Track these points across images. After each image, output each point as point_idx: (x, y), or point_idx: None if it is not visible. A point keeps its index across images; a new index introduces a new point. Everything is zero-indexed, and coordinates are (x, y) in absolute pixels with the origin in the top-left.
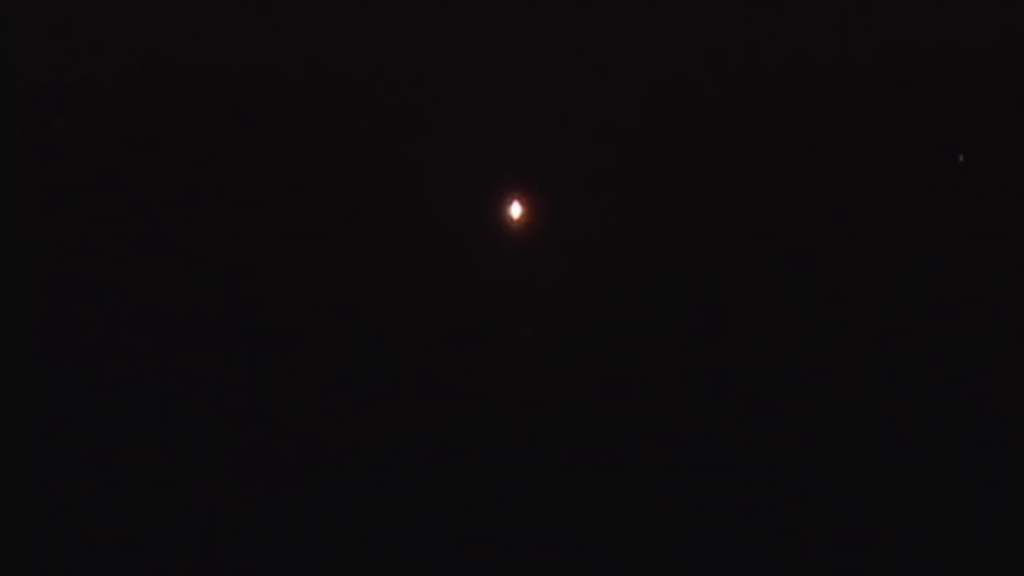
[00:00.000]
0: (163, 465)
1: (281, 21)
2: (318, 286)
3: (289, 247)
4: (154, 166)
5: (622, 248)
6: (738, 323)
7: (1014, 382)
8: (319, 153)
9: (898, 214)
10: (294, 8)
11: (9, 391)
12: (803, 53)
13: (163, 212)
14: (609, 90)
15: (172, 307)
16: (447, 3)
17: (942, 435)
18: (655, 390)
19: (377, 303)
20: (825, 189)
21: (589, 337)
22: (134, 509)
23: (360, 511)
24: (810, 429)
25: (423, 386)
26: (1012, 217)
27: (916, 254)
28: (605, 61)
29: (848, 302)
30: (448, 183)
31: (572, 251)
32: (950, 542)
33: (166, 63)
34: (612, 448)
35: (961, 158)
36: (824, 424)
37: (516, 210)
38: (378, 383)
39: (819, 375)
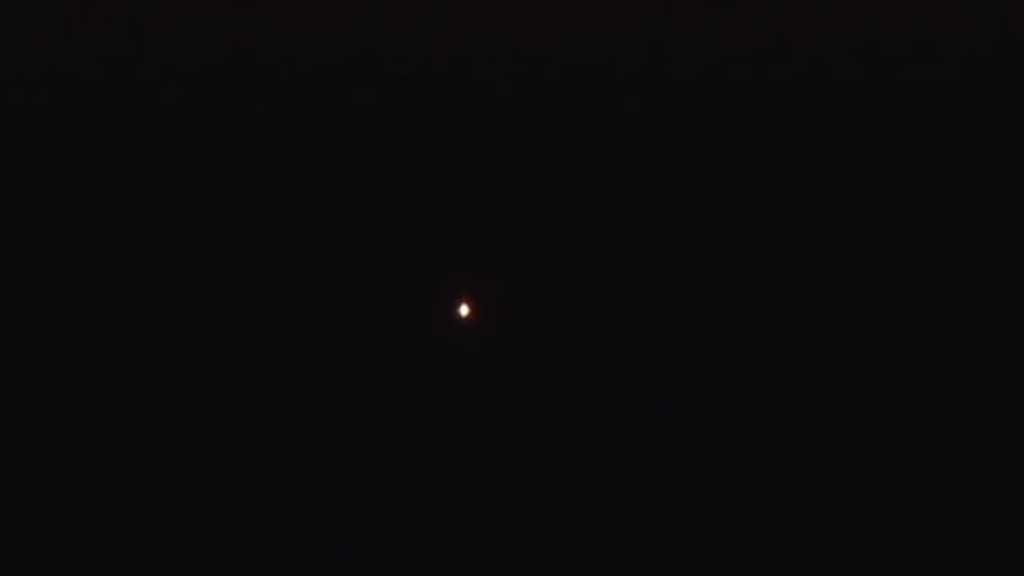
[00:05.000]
0: (161, 465)
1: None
2: (310, 285)
3: (280, 246)
4: (138, 164)
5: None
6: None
7: (1014, 382)
8: (309, 152)
9: (897, 214)
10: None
11: (9, 391)
12: (799, 54)
13: (143, 206)
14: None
15: (160, 303)
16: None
17: (942, 435)
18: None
19: (368, 302)
20: (822, 192)
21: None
22: (132, 508)
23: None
24: (810, 431)
25: (416, 384)
26: (1012, 217)
27: (915, 254)
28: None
29: (846, 304)
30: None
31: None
32: (949, 541)
33: (155, 60)
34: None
35: None
36: (823, 424)
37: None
38: (368, 383)
39: (820, 382)
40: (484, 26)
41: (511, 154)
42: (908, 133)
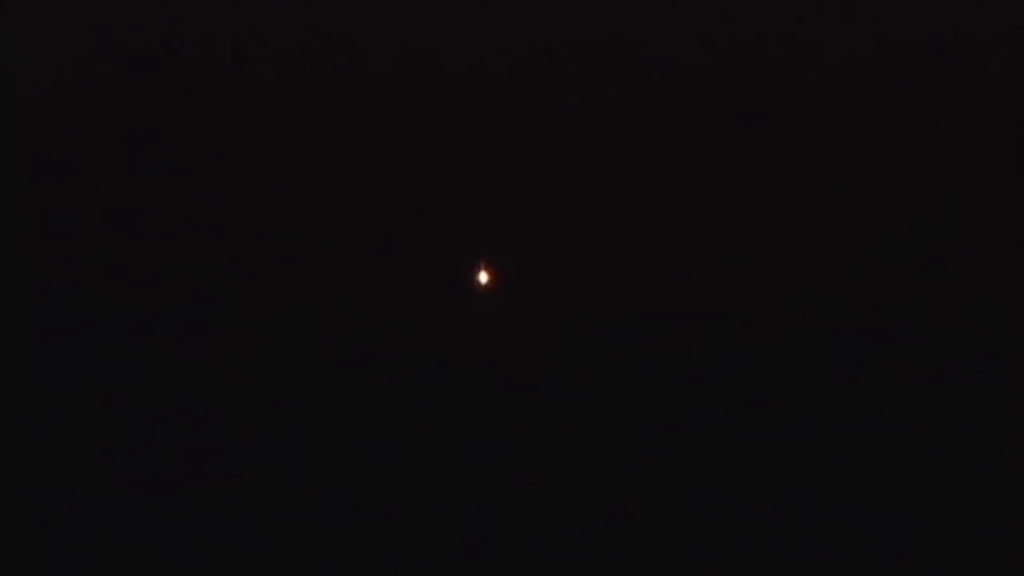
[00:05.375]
0: (160, 465)
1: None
2: (306, 284)
3: (276, 245)
4: (130, 162)
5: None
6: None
7: (1014, 382)
8: (306, 150)
9: (896, 214)
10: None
11: (9, 391)
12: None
13: (137, 202)
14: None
15: (156, 300)
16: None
17: (942, 435)
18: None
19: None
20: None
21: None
22: (132, 509)
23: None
24: (809, 431)
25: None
26: (1012, 217)
27: (915, 254)
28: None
29: (847, 304)
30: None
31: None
32: (949, 542)
33: (154, 55)
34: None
35: None
36: (823, 424)
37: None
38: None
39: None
40: (507, 11)
41: (530, 128)
42: (908, 133)
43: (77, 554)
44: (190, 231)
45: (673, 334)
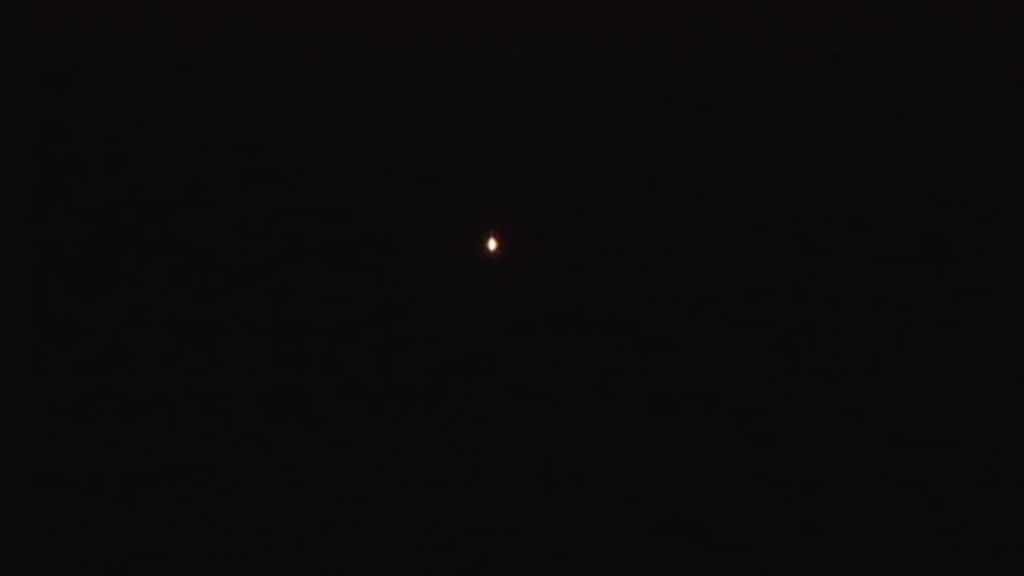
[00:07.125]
0: (161, 465)
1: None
2: (306, 283)
3: (275, 244)
4: (130, 161)
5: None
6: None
7: (1014, 382)
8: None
9: (896, 214)
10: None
11: (9, 391)
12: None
13: (137, 200)
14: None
15: (154, 298)
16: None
17: (942, 435)
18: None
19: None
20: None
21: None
22: (132, 509)
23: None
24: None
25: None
26: (1012, 217)
27: (915, 254)
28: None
29: (846, 304)
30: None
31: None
32: (949, 542)
33: (152, 55)
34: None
35: None
36: (823, 424)
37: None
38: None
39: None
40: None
41: (539, 97)
42: (907, 133)
43: (77, 554)
44: (195, 204)
45: (680, 304)
